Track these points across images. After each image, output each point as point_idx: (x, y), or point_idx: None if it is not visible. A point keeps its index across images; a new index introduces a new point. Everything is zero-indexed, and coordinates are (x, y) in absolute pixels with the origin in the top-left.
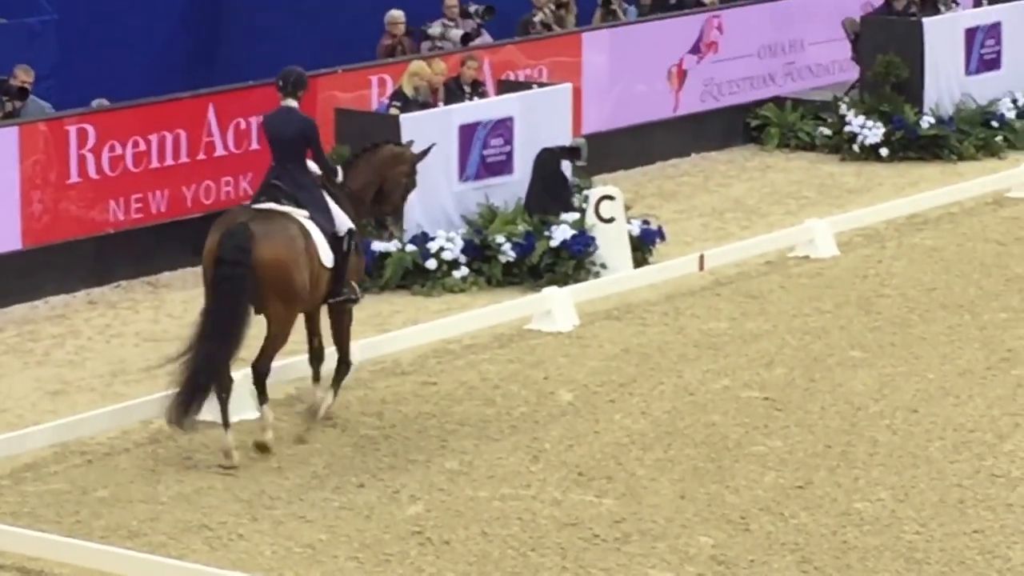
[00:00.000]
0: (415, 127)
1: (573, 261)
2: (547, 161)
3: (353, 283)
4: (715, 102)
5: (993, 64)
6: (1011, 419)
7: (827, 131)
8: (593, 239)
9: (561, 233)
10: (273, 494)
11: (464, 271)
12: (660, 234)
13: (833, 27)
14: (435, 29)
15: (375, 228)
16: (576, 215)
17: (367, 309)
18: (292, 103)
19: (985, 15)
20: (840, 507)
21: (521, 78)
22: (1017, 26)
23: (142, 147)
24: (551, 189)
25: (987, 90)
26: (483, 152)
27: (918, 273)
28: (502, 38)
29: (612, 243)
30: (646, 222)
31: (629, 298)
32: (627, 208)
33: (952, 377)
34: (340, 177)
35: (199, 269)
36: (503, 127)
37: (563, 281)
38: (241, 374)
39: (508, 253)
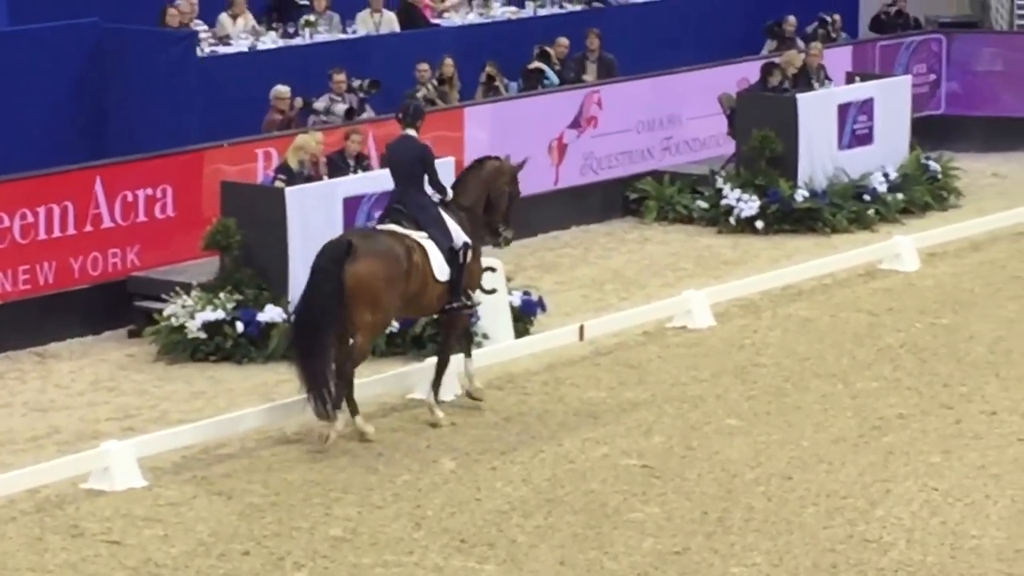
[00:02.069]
0: (300, 200)
1: None
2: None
3: (468, 291)
4: (595, 175)
5: (865, 139)
6: (883, 485)
7: (704, 204)
8: (475, 310)
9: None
10: (160, 561)
11: None
12: (541, 305)
13: (710, 103)
14: (321, 103)
15: (489, 236)
16: None
17: (252, 379)
18: (411, 132)
19: (857, 91)
20: (716, 572)
21: None
22: (888, 102)
23: (29, 219)
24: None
25: (859, 164)
26: (367, 225)
27: (792, 343)
28: (386, 112)
29: (494, 314)
30: (527, 293)
31: (511, 368)
32: (508, 280)
33: (825, 445)
34: (450, 195)
35: (87, 339)
36: (386, 200)
37: None
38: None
39: (392, 325)
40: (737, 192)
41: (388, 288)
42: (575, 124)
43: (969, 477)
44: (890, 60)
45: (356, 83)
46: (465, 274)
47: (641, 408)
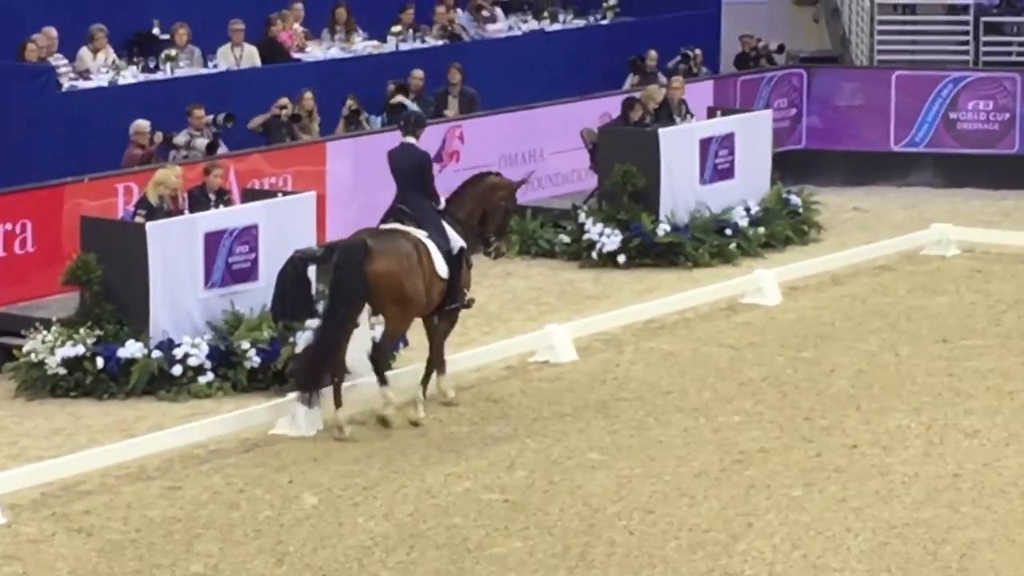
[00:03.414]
0: (161, 235)
1: None
2: (293, 267)
3: (465, 290)
4: None
5: (727, 174)
6: (744, 519)
7: (566, 239)
8: None
9: (305, 339)
10: None
11: (210, 377)
12: (403, 340)
13: (572, 137)
14: (181, 138)
15: (483, 247)
16: (319, 321)
17: (112, 415)
18: (411, 140)
19: (719, 126)
20: None
21: (266, 186)
22: (749, 137)
23: None
24: (296, 296)
25: (721, 199)
26: (228, 259)
27: (655, 377)
28: (247, 147)
29: (357, 349)
30: None
31: (373, 403)
32: (371, 315)
33: (687, 478)
34: (442, 205)
35: None
36: (248, 235)
37: None
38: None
39: (253, 359)
40: (599, 226)
41: (409, 278)
42: (437, 158)
43: (830, 510)
44: (751, 95)
45: (210, 117)
46: (463, 275)
47: (503, 442)
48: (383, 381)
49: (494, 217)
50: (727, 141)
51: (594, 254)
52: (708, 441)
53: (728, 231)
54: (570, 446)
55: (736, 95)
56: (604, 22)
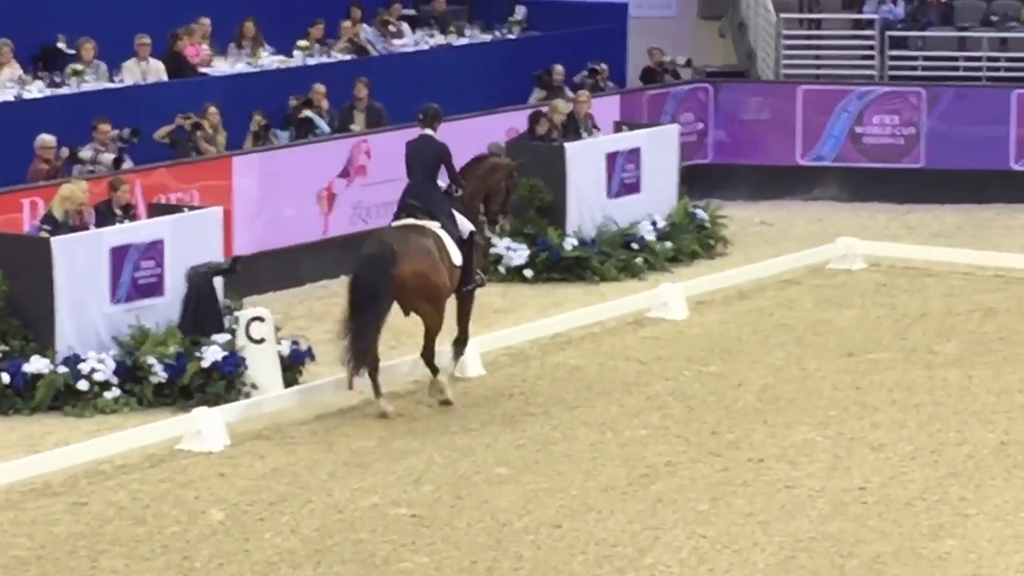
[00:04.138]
0: (67, 250)
1: (224, 381)
2: (200, 282)
3: (478, 271)
4: (364, 225)
5: (633, 188)
6: (651, 533)
7: None
8: (244, 360)
9: (212, 354)
10: None
11: (116, 392)
12: (310, 354)
13: (478, 151)
14: (86, 153)
15: (488, 226)
16: (227, 336)
17: (18, 431)
18: (429, 132)
19: (625, 140)
20: None
21: (173, 201)
22: (656, 151)
23: None
24: (203, 310)
25: (627, 213)
26: (134, 274)
27: (561, 392)
28: (153, 161)
29: (262, 364)
30: (296, 343)
31: (279, 418)
32: (277, 329)
33: (594, 493)
34: (465, 188)
35: None
36: (154, 250)
37: (214, 401)
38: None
39: (159, 374)
40: (506, 241)
41: (435, 273)
42: (344, 173)
43: (737, 524)
44: (658, 109)
45: (116, 132)
46: (475, 257)
47: (411, 457)
48: (435, 371)
49: (496, 196)
50: (633, 155)
51: (501, 268)
52: (615, 455)
53: (635, 245)
54: (477, 461)
55: (643, 110)
56: (511, 37)
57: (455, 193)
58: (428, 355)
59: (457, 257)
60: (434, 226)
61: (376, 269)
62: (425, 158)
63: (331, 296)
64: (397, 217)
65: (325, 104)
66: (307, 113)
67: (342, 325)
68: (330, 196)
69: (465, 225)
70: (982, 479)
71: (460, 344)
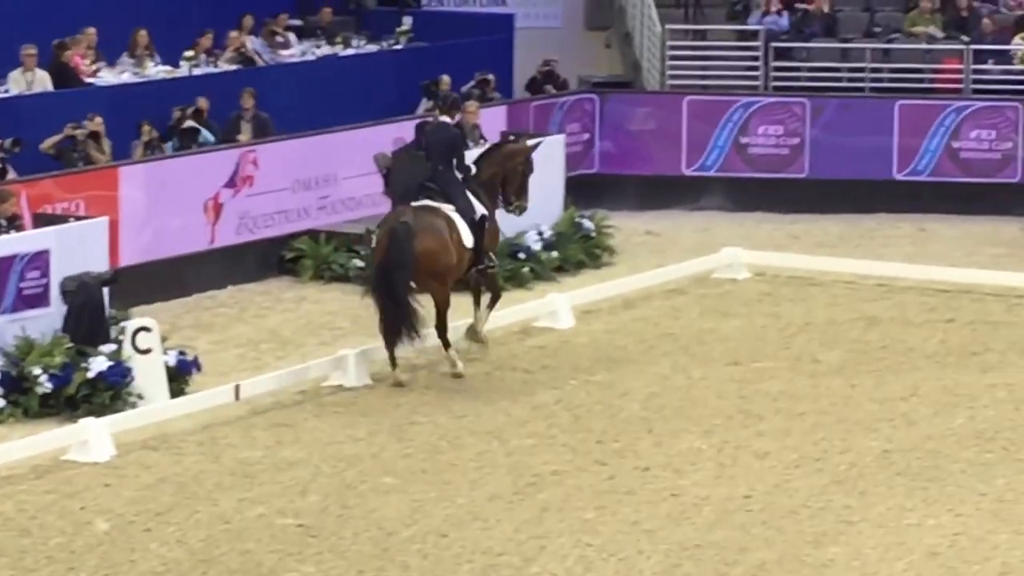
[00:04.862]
0: None
1: (110, 392)
2: (87, 292)
3: (491, 253)
4: (251, 235)
5: None
6: (537, 542)
7: (360, 263)
8: (130, 370)
9: (98, 364)
10: None
11: (0, 403)
12: (196, 365)
13: (365, 162)
14: None
15: (505, 207)
16: (113, 346)
17: None
18: (446, 119)
19: None
20: None
21: (58, 211)
22: (542, 162)
23: None
24: (89, 321)
25: (514, 223)
26: (20, 285)
27: (448, 401)
28: (38, 172)
29: (149, 374)
30: (183, 353)
31: (166, 428)
32: (164, 339)
33: (481, 502)
34: (473, 171)
35: None
36: (40, 260)
37: (100, 412)
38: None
39: (45, 384)
40: None
41: (444, 253)
42: (231, 183)
43: (622, 532)
44: (544, 119)
45: None
46: (487, 240)
47: (297, 467)
48: (447, 345)
49: (513, 180)
50: None
51: None
52: (501, 464)
53: (521, 255)
54: (364, 470)
55: (530, 120)
56: (397, 47)
57: (469, 176)
58: (441, 329)
59: (469, 239)
60: (448, 209)
61: (399, 244)
62: (441, 143)
63: (218, 306)
64: (415, 199)
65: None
66: (190, 123)
67: (376, 304)
68: (217, 206)
69: (479, 208)
70: (865, 487)
71: (494, 301)
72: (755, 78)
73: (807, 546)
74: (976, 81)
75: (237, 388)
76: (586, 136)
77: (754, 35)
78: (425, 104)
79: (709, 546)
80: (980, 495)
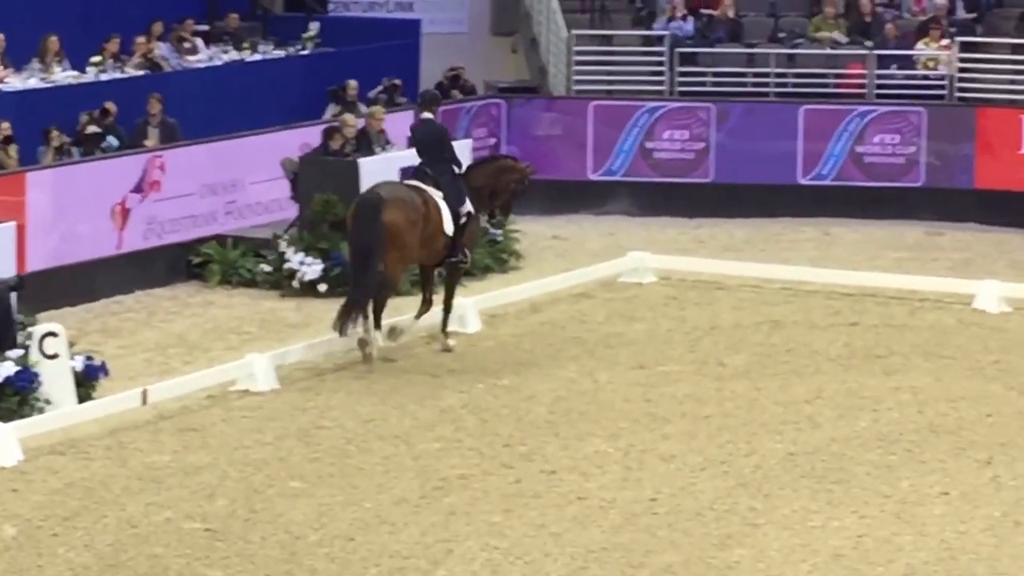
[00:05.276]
0: None
1: (17, 397)
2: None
3: (466, 250)
4: (158, 240)
5: None
6: (444, 546)
7: (268, 268)
8: (37, 375)
9: (4, 370)
10: None
11: None
12: (104, 370)
13: (273, 167)
14: None
15: (488, 219)
16: (20, 352)
17: None
18: (428, 115)
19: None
20: None
21: None
22: None
23: None
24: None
25: None
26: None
27: (355, 405)
28: None
29: (56, 379)
30: (90, 358)
31: (73, 433)
32: (71, 344)
33: (388, 506)
34: (463, 168)
35: None
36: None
37: (7, 417)
38: (471, 299)
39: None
40: (300, 256)
41: (410, 230)
42: (138, 188)
43: (529, 536)
44: (451, 125)
45: None
46: (466, 235)
47: (205, 472)
48: (377, 325)
49: (503, 195)
50: None
51: (295, 283)
52: (408, 468)
53: None
54: (271, 475)
55: None
56: (304, 52)
57: (459, 170)
58: (378, 301)
59: (449, 227)
60: (436, 194)
61: (367, 214)
62: (431, 139)
63: (125, 311)
64: (411, 179)
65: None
66: (93, 128)
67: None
68: (124, 211)
69: (467, 205)
70: (771, 489)
71: (447, 311)
72: (660, 83)
73: (712, 548)
74: (880, 86)
75: (145, 393)
76: (492, 141)
77: (659, 40)
78: (332, 109)
79: (615, 549)
80: (884, 497)
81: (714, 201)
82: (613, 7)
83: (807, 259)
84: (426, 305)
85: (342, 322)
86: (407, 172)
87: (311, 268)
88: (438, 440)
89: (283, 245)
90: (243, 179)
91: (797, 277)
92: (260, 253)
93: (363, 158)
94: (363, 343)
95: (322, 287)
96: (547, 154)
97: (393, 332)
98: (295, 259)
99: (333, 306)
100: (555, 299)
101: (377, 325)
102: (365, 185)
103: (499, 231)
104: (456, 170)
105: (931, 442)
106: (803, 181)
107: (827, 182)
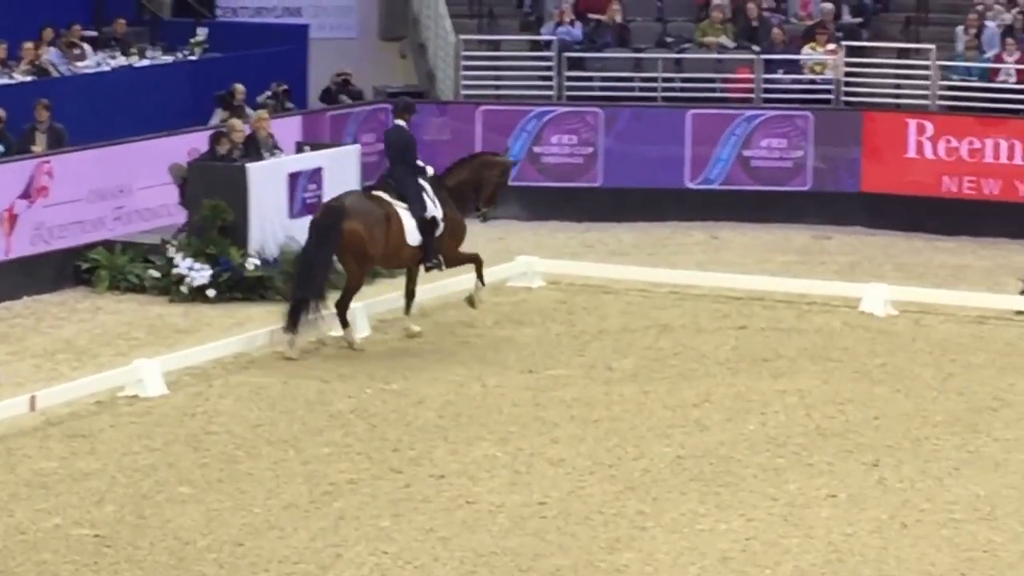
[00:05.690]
0: None
1: None
2: None
3: (440, 256)
4: (46, 245)
5: (315, 207)
6: (334, 550)
7: (156, 273)
8: None
9: None
10: None
11: None
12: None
13: (161, 172)
14: None
15: (475, 211)
16: None
17: None
18: (401, 122)
19: (307, 160)
20: None
21: None
22: (337, 171)
23: None
24: None
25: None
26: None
27: (244, 410)
28: None
29: None
30: None
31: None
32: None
33: (277, 511)
34: (430, 171)
35: None
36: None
37: None
38: (360, 304)
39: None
40: (189, 261)
41: (369, 240)
42: (25, 194)
43: (418, 540)
44: (340, 130)
45: None
46: (441, 242)
47: (93, 478)
48: (344, 324)
49: (486, 189)
50: (316, 175)
51: (184, 288)
52: (298, 473)
53: None
54: (160, 480)
55: (325, 130)
56: (192, 58)
57: (423, 176)
58: (342, 307)
59: (414, 238)
60: (399, 205)
61: (329, 219)
62: (398, 146)
63: (14, 317)
64: (375, 188)
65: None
66: None
67: (295, 268)
68: (11, 217)
69: (432, 209)
70: (659, 492)
71: (478, 268)
72: (549, 88)
73: (601, 552)
74: (767, 91)
75: (33, 399)
76: (381, 146)
77: (548, 45)
78: (220, 115)
79: (504, 553)
80: (772, 500)
81: (602, 205)
82: (501, 12)
83: (695, 263)
84: (409, 296)
85: (292, 320)
86: (381, 179)
87: (199, 273)
88: (327, 445)
89: (172, 250)
90: (131, 184)
91: (685, 281)
92: (148, 259)
93: (251, 163)
94: (350, 344)
95: (211, 292)
96: (435, 159)
97: (348, 342)
98: (184, 264)
99: (222, 312)
100: (444, 304)
101: (343, 322)
102: (253, 190)
103: (484, 220)
104: (421, 178)
105: (818, 445)
106: (691, 185)
107: (715, 186)
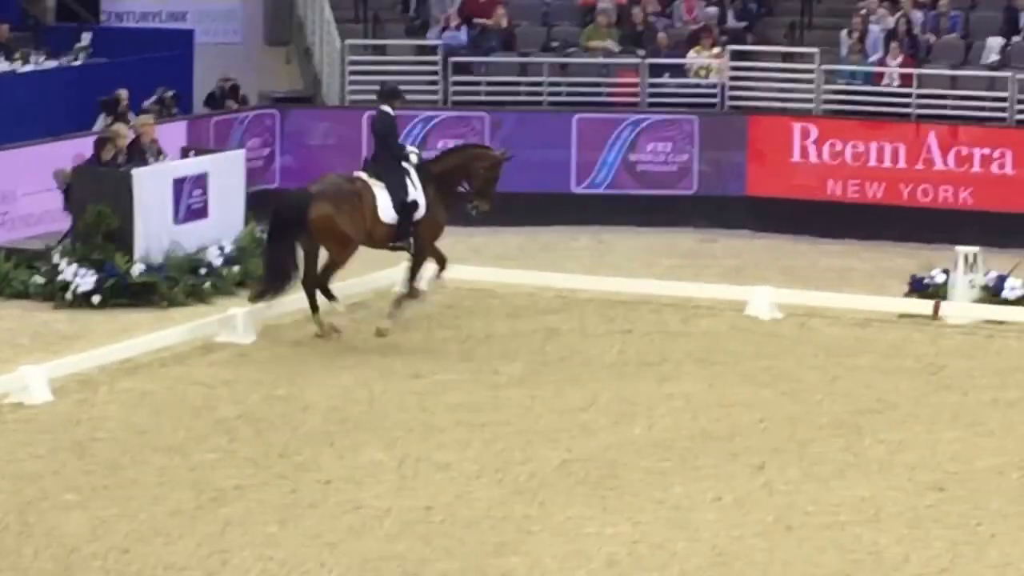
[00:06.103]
0: None
1: None
2: None
3: (411, 239)
4: None
5: (200, 213)
6: (220, 556)
7: (40, 280)
8: None
9: None
10: None
11: None
12: None
13: (45, 178)
14: None
15: (467, 205)
16: None
17: None
18: (386, 108)
19: (192, 166)
20: None
21: None
22: (223, 177)
23: None
24: None
25: (195, 238)
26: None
27: (130, 417)
28: None
29: None
30: None
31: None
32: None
33: (163, 517)
34: (411, 157)
35: None
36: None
37: None
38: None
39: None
40: (73, 267)
41: (341, 219)
42: None
43: (304, 546)
44: (224, 135)
45: None
46: (421, 226)
47: None
48: (331, 298)
49: (475, 181)
50: (201, 181)
51: (68, 295)
52: (183, 479)
53: (203, 270)
54: (45, 487)
55: (210, 135)
56: (76, 63)
57: (404, 160)
58: (323, 282)
59: (388, 215)
60: (374, 184)
61: (290, 208)
62: (381, 131)
63: None
64: (359, 171)
65: None
66: None
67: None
68: None
69: (412, 192)
70: (546, 496)
71: (441, 266)
72: (435, 93)
73: (488, 556)
74: (652, 95)
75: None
76: (267, 151)
77: (433, 50)
78: (104, 120)
79: (391, 558)
80: (658, 503)
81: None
82: (387, 17)
83: (581, 267)
84: (440, 264)
85: (258, 298)
86: (364, 163)
87: (84, 280)
88: (213, 451)
89: (56, 256)
90: (15, 190)
91: (571, 285)
92: (33, 265)
93: (136, 168)
94: (320, 324)
95: (96, 299)
96: (322, 164)
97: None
98: (68, 270)
99: (107, 318)
100: (332, 309)
101: (329, 297)
102: (138, 195)
103: (476, 214)
104: (403, 162)
105: (704, 448)
106: (577, 190)
107: (601, 190)
